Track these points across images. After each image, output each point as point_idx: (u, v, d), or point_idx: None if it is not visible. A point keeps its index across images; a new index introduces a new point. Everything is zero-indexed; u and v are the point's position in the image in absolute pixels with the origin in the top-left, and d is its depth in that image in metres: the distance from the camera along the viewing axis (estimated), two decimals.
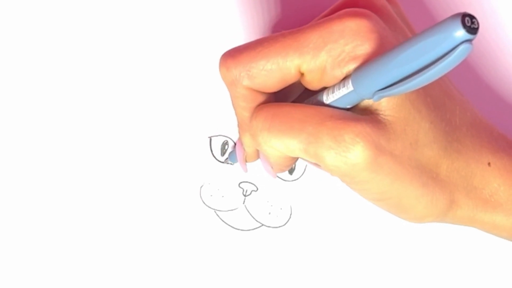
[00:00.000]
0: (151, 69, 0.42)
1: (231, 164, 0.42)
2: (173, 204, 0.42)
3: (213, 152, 0.42)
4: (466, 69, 0.42)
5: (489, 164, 0.35)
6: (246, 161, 0.39)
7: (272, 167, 0.37)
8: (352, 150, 0.32)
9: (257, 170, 0.42)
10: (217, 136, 0.42)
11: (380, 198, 0.34)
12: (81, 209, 0.42)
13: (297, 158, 0.37)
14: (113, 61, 0.42)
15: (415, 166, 0.33)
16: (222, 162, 0.42)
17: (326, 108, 0.33)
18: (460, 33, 0.27)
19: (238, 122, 0.36)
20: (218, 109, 0.42)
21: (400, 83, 0.29)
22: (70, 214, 0.42)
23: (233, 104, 0.35)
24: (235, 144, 0.42)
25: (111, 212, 0.42)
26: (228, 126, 0.42)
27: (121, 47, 0.42)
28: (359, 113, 0.33)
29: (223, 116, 0.42)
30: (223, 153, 0.42)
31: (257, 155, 0.39)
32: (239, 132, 0.37)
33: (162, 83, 0.42)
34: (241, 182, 0.42)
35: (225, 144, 0.42)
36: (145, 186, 0.42)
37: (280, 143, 0.33)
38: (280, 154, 0.34)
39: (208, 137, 0.42)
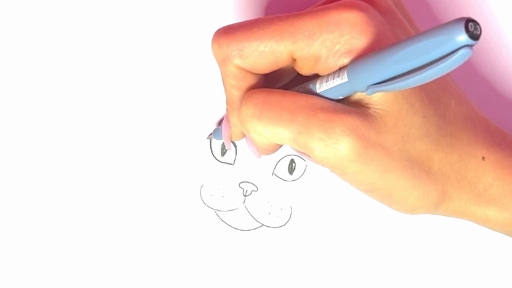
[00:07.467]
0: (150, 69, 0.42)
1: (212, 138, 0.41)
2: (173, 204, 0.42)
3: (213, 152, 0.42)
4: (464, 64, 0.42)
5: (483, 158, 0.35)
6: (231, 139, 0.39)
7: (257, 150, 0.37)
8: (342, 142, 0.32)
9: (257, 170, 0.42)
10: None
11: (370, 189, 0.34)
12: (81, 209, 0.42)
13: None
14: (112, 60, 0.42)
15: (406, 159, 0.33)
16: (207, 138, 0.42)
17: (318, 99, 0.33)
18: (462, 37, 0.27)
19: (227, 99, 0.36)
20: (218, 109, 0.42)
21: (395, 80, 0.29)
22: (70, 214, 0.42)
23: (223, 82, 0.35)
24: (221, 120, 0.42)
25: (111, 212, 0.42)
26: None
27: (120, 46, 0.42)
28: (350, 105, 0.33)
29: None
30: (223, 153, 0.42)
31: (243, 134, 0.39)
32: (227, 110, 0.37)
33: (161, 83, 0.42)
34: (241, 182, 0.42)
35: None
36: (145, 186, 0.42)
37: (269, 132, 0.33)
38: (268, 141, 0.34)
39: (208, 137, 0.42)
